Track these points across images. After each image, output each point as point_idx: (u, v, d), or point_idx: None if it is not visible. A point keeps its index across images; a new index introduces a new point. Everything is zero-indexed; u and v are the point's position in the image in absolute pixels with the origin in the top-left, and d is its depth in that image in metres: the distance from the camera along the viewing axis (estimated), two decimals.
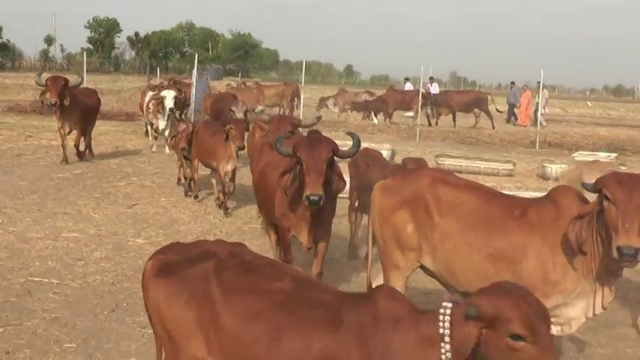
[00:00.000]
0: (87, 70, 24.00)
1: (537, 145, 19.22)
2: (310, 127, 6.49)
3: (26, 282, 6.15)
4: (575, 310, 4.06)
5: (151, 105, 14.40)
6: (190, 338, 2.89)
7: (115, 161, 13.19)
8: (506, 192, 5.23)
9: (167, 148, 14.11)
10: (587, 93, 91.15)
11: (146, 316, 5.36)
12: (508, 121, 28.21)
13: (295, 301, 2.78)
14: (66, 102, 11.75)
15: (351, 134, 5.38)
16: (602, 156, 14.64)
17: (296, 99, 24.52)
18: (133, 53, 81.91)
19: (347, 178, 6.23)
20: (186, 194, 10.24)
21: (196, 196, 10.02)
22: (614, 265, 3.82)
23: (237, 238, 8.00)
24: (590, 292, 3.99)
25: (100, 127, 16.28)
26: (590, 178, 3.96)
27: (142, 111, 15.92)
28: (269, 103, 23.20)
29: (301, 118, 18.34)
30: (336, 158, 5.10)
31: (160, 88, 16.47)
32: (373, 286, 4.91)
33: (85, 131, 12.91)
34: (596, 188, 3.78)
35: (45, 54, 75.05)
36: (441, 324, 2.54)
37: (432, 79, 29.26)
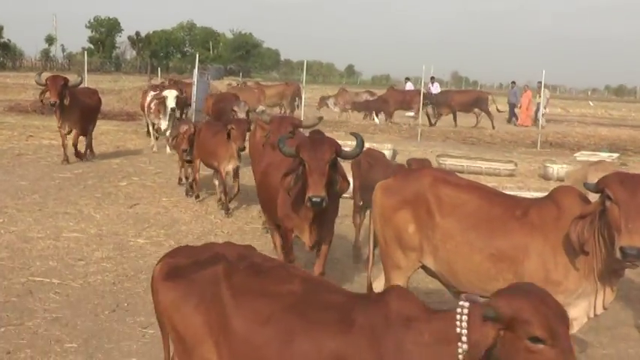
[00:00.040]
0: (88, 70, 24.04)
1: (539, 145, 19.22)
2: (311, 127, 6.47)
3: (27, 282, 6.14)
4: (576, 310, 4.05)
5: (152, 105, 14.39)
6: (200, 341, 2.87)
7: (116, 161, 13.19)
8: (507, 192, 5.22)
9: (168, 148, 14.10)
10: (589, 93, 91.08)
11: (147, 316, 5.40)
12: (509, 121, 28.21)
13: (306, 303, 2.76)
14: (66, 102, 11.74)
15: (355, 134, 5.33)
16: (604, 156, 14.64)
17: (297, 99, 24.52)
18: (134, 53, 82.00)
19: (350, 179, 6.21)
20: (187, 194, 10.24)
21: (197, 196, 10.02)
22: (617, 265, 3.81)
23: (238, 238, 8.00)
24: (592, 293, 3.98)
25: (101, 126, 16.29)
26: (596, 179, 3.94)
27: (144, 111, 15.92)
28: (269, 103, 23.19)
29: (302, 118, 18.35)
30: (339, 159, 5.08)
31: (162, 87, 16.47)
32: (374, 286, 4.92)
33: (86, 131, 12.91)
34: (598, 188, 3.77)
35: (46, 54, 75.12)
36: (458, 323, 2.51)
37: (433, 79, 29.23)
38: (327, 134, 5.30)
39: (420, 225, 4.39)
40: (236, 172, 9.24)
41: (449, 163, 13.23)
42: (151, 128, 15.06)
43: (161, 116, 14.07)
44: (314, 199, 4.78)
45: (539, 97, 25.21)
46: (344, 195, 5.75)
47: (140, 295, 5.98)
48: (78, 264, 6.74)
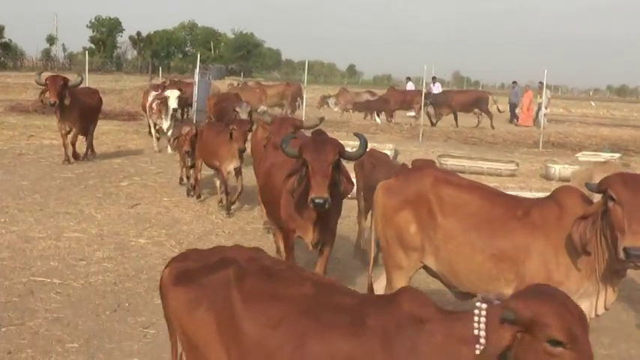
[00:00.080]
0: (89, 70, 24.05)
1: (540, 145, 19.18)
2: (312, 128, 6.44)
3: (28, 282, 6.14)
4: None
5: (154, 105, 14.39)
6: (212, 346, 2.85)
7: (117, 161, 13.19)
8: (509, 192, 5.21)
9: (169, 148, 14.11)
10: (591, 93, 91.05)
11: (148, 316, 5.40)
12: (511, 121, 28.19)
13: (317, 305, 2.73)
14: (66, 101, 11.73)
15: (358, 135, 5.29)
16: (606, 156, 14.62)
17: (299, 99, 24.51)
18: (135, 53, 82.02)
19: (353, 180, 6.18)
20: (188, 194, 10.24)
21: (199, 196, 10.02)
22: (619, 266, 3.80)
23: (239, 237, 8.00)
24: (594, 293, 3.97)
25: (102, 126, 16.29)
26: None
27: (145, 111, 15.91)
28: (270, 103, 23.19)
29: (304, 118, 18.36)
30: (342, 160, 5.05)
31: (163, 87, 16.47)
32: (375, 287, 4.91)
33: (87, 131, 12.90)
34: (600, 189, 3.76)
35: (47, 53, 75.17)
36: (476, 325, 2.48)
37: (434, 79, 29.19)
38: (329, 134, 5.29)
39: (421, 225, 4.38)
40: (238, 171, 9.24)
41: (450, 163, 13.22)
42: (152, 128, 15.06)
43: (163, 116, 14.07)
44: (317, 201, 4.74)
45: (541, 97, 25.19)
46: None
47: (141, 295, 5.97)
48: (79, 264, 6.74)
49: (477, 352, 2.46)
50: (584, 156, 14.96)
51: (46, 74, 12.67)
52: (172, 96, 13.82)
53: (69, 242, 7.46)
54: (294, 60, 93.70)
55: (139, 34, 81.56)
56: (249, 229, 8.58)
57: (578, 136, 22.78)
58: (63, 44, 79.84)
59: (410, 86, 30.32)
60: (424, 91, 23.09)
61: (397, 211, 4.46)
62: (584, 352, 2.36)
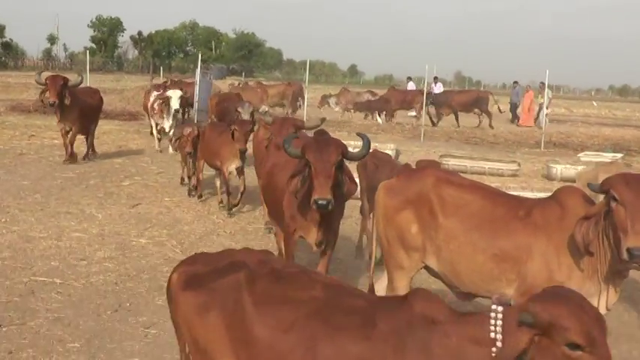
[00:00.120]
0: (90, 70, 24.04)
1: (542, 145, 19.16)
2: (314, 129, 6.42)
3: (29, 282, 6.14)
4: None
5: (156, 105, 14.38)
6: (222, 350, 2.83)
7: (119, 161, 13.19)
8: (510, 192, 5.20)
9: (170, 148, 14.11)
10: (593, 93, 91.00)
11: (149, 316, 5.40)
12: (512, 121, 28.18)
13: (328, 308, 2.72)
14: (66, 101, 11.70)
15: (361, 135, 5.25)
16: (608, 156, 14.60)
17: (300, 99, 24.50)
18: (136, 52, 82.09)
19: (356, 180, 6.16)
20: (189, 194, 10.23)
21: (200, 196, 10.02)
22: (621, 266, 3.79)
23: (240, 238, 8.00)
24: (596, 293, 3.96)
25: (103, 126, 16.29)
26: None
27: (147, 111, 15.90)
28: (271, 103, 23.20)
29: (305, 118, 18.37)
30: (345, 160, 5.03)
31: (164, 87, 16.47)
32: (376, 287, 4.90)
33: (87, 131, 12.89)
34: (603, 189, 3.75)
35: (48, 53, 75.27)
36: (492, 327, 2.46)
37: (436, 79, 29.17)
38: (331, 134, 5.27)
39: (422, 225, 4.37)
40: (240, 171, 9.24)
41: (452, 163, 13.20)
42: (154, 128, 15.05)
43: (164, 116, 14.07)
44: (320, 202, 4.70)
45: (542, 97, 25.15)
46: None
47: (142, 295, 5.97)
48: (80, 264, 6.74)
49: (493, 354, 2.44)
50: (586, 156, 14.93)
51: (46, 74, 12.65)
52: (174, 96, 13.81)
53: (70, 242, 7.45)
54: (296, 60, 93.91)
55: (140, 33, 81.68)
56: (251, 229, 8.57)
57: (580, 136, 22.76)
58: (64, 44, 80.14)
59: (411, 86, 30.30)
60: (425, 90, 23.08)
61: (398, 211, 4.46)
62: (603, 356, 2.33)
